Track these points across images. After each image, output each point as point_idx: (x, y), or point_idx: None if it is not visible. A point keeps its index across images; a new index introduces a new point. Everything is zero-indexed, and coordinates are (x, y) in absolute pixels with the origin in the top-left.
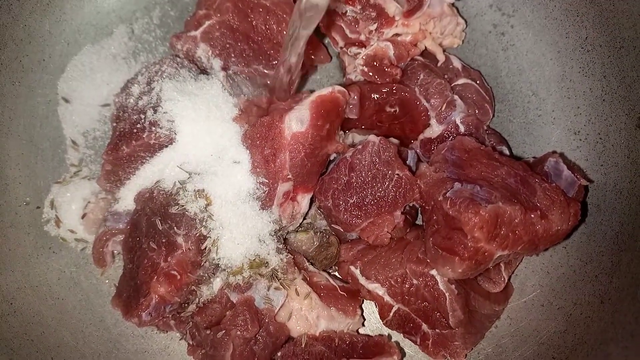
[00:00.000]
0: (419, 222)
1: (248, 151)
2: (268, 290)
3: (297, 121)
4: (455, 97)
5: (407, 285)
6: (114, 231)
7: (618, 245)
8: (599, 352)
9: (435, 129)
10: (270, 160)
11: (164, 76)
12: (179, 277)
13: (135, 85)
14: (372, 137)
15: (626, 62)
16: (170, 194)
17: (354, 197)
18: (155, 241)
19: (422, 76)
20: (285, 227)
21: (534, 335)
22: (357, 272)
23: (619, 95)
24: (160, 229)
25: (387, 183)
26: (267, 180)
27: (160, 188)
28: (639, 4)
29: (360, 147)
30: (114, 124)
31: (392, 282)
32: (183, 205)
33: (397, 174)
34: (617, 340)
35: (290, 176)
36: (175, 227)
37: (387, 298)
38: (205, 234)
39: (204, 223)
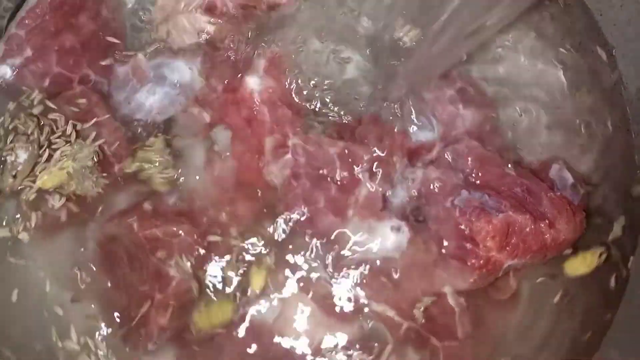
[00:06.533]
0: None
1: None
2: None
3: (255, 79)
4: (459, 104)
5: (418, 305)
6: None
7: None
8: (598, 357)
9: (437, 139)
10: (251, 119)
11: None
12: (177, 304)
13: None
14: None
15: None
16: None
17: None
18: (144, 274)
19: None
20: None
21: None
22: (363, 296)
23: (612, 101)
24: (147, 261)
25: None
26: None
27: (143, 210)
28: (624, 13)
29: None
30: None
31: (404, 306)
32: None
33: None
34: (615, 344)
35: (274, 127)
36: (167, 258)
37: (397, 318)
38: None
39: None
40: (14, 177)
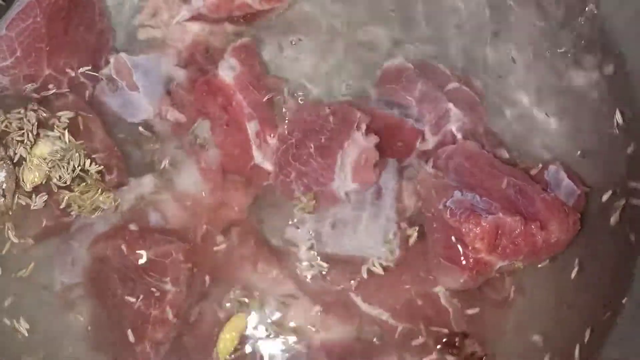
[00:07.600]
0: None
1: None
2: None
3: (228, 69)
4: (450, 105)
5: (412, 308)
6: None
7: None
8: (596, 356)
9: (430, 141)
10: (227, 106)
11: None
12: (174, 316)
13: None
14: None
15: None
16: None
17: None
18: (138, 292)
19: (419, 86)
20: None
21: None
22: (358, 299)
23: (612, 99)
24: (141, 281)
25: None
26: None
27: (131, 231)
28: (621, 19)
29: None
30: None
31: (398, 308)
32: None
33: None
34: (614, 343)
35: (252, 113)
36: (161, 276)
37: (391, 321)
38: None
39: None
40: (4, 196)
